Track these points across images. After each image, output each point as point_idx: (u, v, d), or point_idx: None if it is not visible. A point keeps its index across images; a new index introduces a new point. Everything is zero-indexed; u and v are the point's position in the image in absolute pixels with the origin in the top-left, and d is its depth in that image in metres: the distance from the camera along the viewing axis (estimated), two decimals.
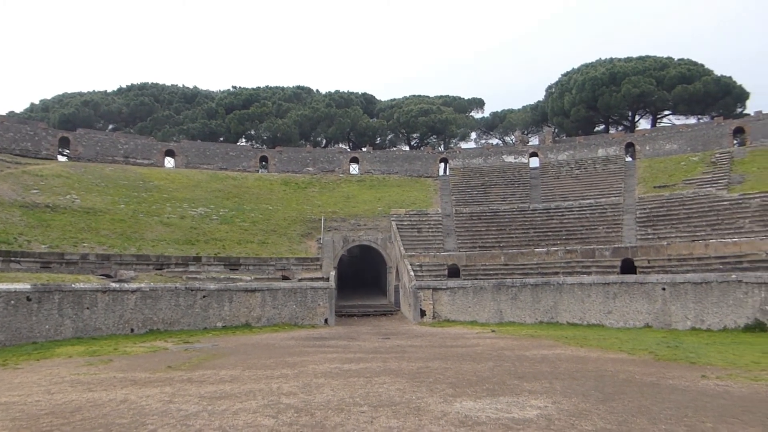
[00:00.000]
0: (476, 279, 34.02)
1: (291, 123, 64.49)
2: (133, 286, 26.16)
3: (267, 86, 74.31)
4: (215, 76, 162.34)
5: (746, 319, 22.09)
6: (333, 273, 36.12)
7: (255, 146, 64.51)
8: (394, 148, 69.19)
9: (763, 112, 48.87)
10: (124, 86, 72.30)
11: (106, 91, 70.85)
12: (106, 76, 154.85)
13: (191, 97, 72.90)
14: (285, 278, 35.20)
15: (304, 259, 38.41)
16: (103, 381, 12.77)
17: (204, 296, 27.73)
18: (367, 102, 74.11)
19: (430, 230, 44.27)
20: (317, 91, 76.20)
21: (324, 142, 70.19)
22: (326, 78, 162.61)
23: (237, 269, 35.53)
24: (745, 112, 57.72)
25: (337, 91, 73.72)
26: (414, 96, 76.76)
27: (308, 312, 29.77)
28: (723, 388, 11.21)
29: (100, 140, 51.72)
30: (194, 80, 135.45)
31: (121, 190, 44.11)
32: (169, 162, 54.79)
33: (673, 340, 19.64)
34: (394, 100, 75.71)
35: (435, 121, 67.82)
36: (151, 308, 26.08)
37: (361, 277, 52.90)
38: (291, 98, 70.83)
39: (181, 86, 75.85)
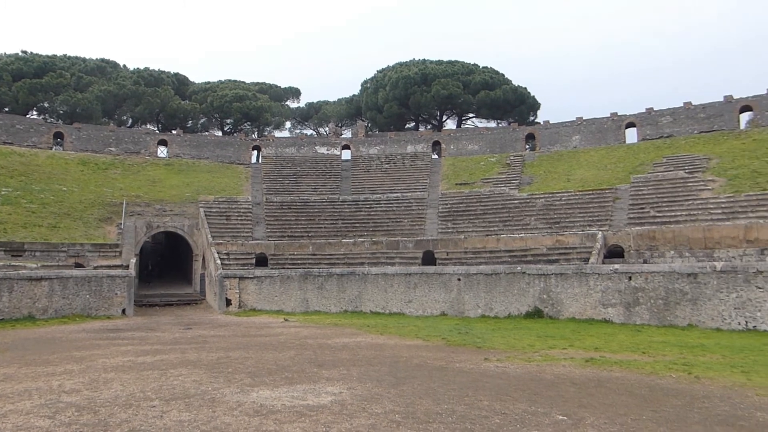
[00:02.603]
0: (284, 268, 34.08)
1: (93, 98, 59.52)
2: None
3: (66, 55, 67.85)
4: (0, 37, 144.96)
5: (527, 306, 24.40)
6: (134, 260, 34.09)
7: (49, 121, 58.57)
8: (206, 133, 66.80)
9: (550, 122, 54.34)
10: None
11: None
12: None
13: None
14: (78, 266, 32.54)
15: (102, 245, 35.80)
16: None
17: None
18: (179, 83, 70.70)
19: (240, 218, 43.47)
20: (124, 66, 71.26)
21: (130, 121, 65.83)
22: (135, 53, 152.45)
23: (21, 255, 32.16)
24: (536, 120, 63.82)
25: (146, 69, 69.34)
26: (229, 81, 74.66)
27: (104, 302, 27.77)
28: (501, 369, 12.29)
29: None
30: None
31: None
32: None
33: (465, 327, 21.15)
34: (209, 83, 73.10)
35: (250, 108, 66.54)
36: None
37: (166, 265, 50.62)
38: (94, 71, 65.38)
39: None
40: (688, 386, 10.39)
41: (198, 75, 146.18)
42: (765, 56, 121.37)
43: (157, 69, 69.93)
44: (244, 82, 74.85)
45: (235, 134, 64.96)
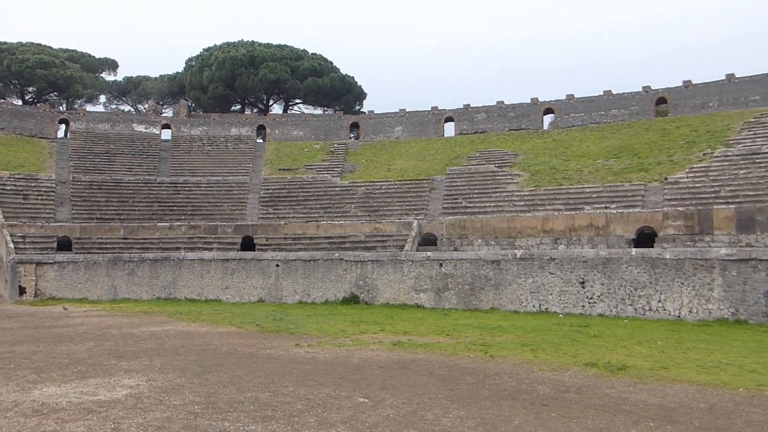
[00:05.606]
0: (90, 253, 31.62)
1: None
2: None
3: None
4: None
5: (344, 292, 24.85)
6: None
7: None
8: (2, 101, 59.85)
9: (375, 112, 55.65)
10: None
11: None
12: None
13: None
14: None
15: None
16: None
17: None
18: None
19: (40, 197, 39.58)
20: None
21: None
22: None
23: None
24: (362, 110, 65.00)
25: None
26: (32, 44, 67.12)
27: None
28: (311, 355, 12.32)
29: None
30: None
31: None
32: None
33: (281, 313, 21.05)
34: (5, 43, 65.17)
35: (57, 77, 60.57)
36: None
37: None
38: None
39: None
40: (482, 365, 11.12)
41: None
42: (571, 69, 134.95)
43: None
44: (50, 48, 67.79)
45: (38, 105, 58.87)
